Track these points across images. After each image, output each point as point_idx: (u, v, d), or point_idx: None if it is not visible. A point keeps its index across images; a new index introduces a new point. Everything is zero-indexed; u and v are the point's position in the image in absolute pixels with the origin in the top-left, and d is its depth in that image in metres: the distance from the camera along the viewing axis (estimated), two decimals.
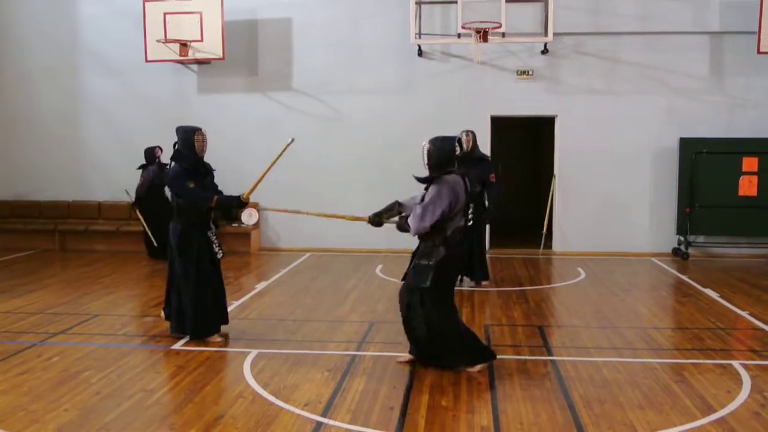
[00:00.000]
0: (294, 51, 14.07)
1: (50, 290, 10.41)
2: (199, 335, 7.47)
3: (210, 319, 7.52)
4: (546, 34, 12.76)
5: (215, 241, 7.74)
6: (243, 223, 13.63)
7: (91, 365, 6.79)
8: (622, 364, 6.81)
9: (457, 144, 6.48)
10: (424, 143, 6.50)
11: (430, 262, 6.37)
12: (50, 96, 14.74)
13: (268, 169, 7.63)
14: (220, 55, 13.50)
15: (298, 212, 7.90)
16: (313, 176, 13.98)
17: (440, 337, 6.48)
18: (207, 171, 7.86)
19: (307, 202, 13.92)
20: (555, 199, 13.74)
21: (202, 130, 7.65)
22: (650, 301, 9.85)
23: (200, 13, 13.43)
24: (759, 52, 12.71)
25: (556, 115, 13.57)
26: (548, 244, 13.80)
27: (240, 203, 7.65)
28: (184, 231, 7.51)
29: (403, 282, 6.69)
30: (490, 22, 12.20)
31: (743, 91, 13.26)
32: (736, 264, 12.63)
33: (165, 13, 13.47)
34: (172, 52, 13.49)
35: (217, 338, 7.53)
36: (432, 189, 6.33)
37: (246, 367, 6.66)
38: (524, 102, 13.56)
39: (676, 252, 13.39)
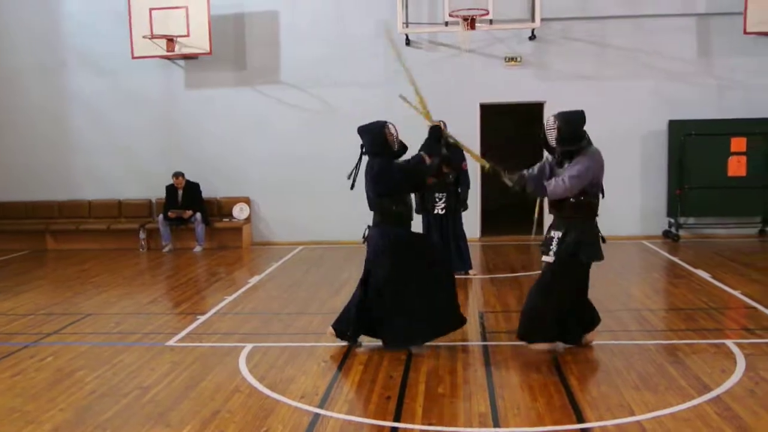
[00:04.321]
0: (282, 44, 14.01)
1: (42, 291, 10.39)
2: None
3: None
4: (533, 19, 12.75)
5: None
6: (235, 218, 13.65)
7: (85, 364, 6.77)
8: (618, 347, 6.82)
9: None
10: (549, 120, 6.47)
11: (595, 236, 6.52)
12: (37, 94, 14.64)
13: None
14: (207, 49, 13.44)
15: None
16: (307, 170, 13.93)
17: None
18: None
19: (300, 196, 13.95)
20: None
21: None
22: (643, 284, 9.87)
23: (186, 8, 13.36)
24: (745, 32, 12.75)
25: (545, 101, 13.54)
26: (540, 231, 13.73)
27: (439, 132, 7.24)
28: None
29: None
30: (478, 9, 12.19)
31: (730, 72, 13.27)
32: (726, 244, 12.66)
33: (151, 9, 13.40)
34: (159, 47, 13.43)
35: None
36: (580, 159, 6.33)
37: (241, 362, 6.64)
38: (513, 89, 13.54)
39: (666, 234, 13.43)
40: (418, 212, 10.56)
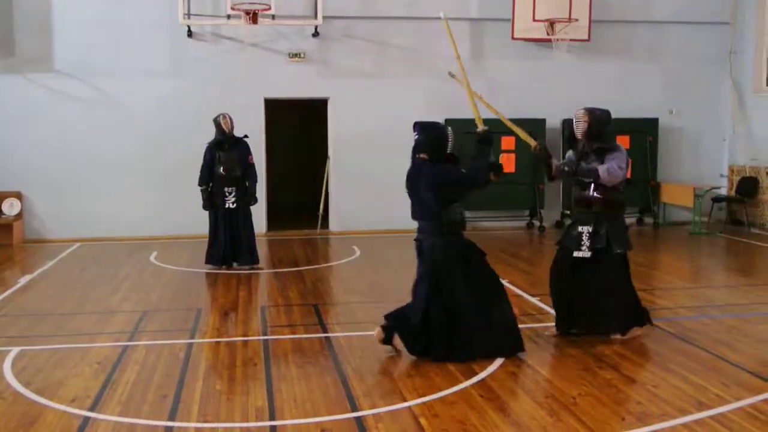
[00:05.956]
0: (54, 29, 13.19)
1: None
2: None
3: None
4: (316, 17, 12.93)
5: None
6: (5, 214, 12.75)
7: None
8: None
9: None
10: (578, 113, 6.74)
11: (624, 228, 6.85)
12: None
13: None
14: None
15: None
16: (84, 163, 13.23)
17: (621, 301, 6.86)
18: None
19: (78, 190, 13.26)
20: (330, 180, 13.98)
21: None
22: None
23: None
24: (513, 38, 13.68)
25: (329, 98, 13.79)
26: (325, 225, 14.03)
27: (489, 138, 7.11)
28: None
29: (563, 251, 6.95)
30: (260, 3, 12.18)
31: (501, 74, 14.12)
32: (499, 236, 13.50)
33: None
34: None
35: None
36: (617, 156, 6.62)
37: (6, 367, 6.24)
38: (297, 85, 13.65)
39: None
40: (205, 208, 10.44)
